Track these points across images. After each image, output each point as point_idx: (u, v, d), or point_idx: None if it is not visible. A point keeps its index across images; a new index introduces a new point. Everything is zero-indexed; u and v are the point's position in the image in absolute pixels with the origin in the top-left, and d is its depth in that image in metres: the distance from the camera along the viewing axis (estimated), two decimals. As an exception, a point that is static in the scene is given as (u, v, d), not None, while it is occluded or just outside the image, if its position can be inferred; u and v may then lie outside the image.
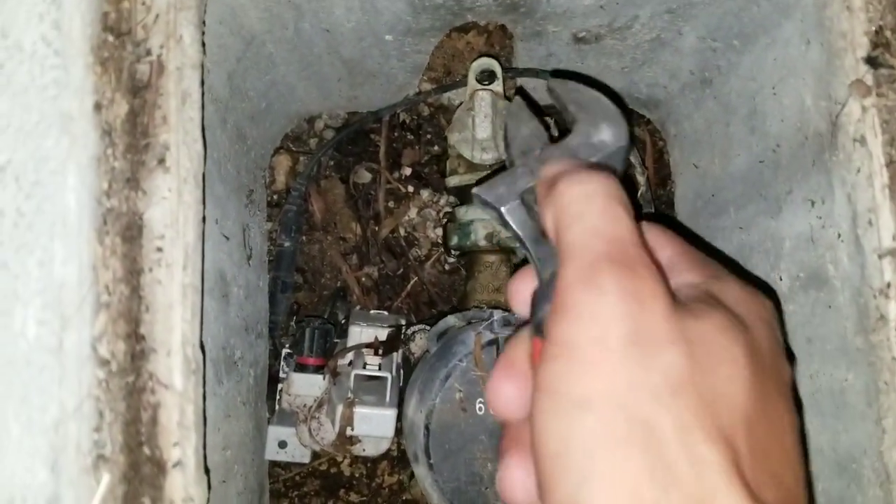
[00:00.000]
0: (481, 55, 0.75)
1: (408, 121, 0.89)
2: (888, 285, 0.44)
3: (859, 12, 0.47)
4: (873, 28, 0.45)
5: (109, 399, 0.43)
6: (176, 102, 0.46)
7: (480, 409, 0.65)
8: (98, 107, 0.44)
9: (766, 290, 0.63)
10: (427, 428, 0.65)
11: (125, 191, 0.44)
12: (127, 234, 0.44)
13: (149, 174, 0.45)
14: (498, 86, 0.74)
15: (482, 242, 0.75)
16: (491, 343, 0.65)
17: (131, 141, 0.45)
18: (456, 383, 0.65)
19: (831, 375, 0.54)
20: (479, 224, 0.75)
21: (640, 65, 0.79)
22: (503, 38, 0.78)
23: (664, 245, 0.37)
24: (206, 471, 0.48)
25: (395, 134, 0.90)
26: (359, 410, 0.72)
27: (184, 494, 0.44)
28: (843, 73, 0.47)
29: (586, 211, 0.33)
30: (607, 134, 0.38)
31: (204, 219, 0.48)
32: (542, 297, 0.35)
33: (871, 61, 0.44)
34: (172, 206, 0.45)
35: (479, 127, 0.70)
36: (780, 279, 0.62)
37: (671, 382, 0.29)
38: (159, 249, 0.45)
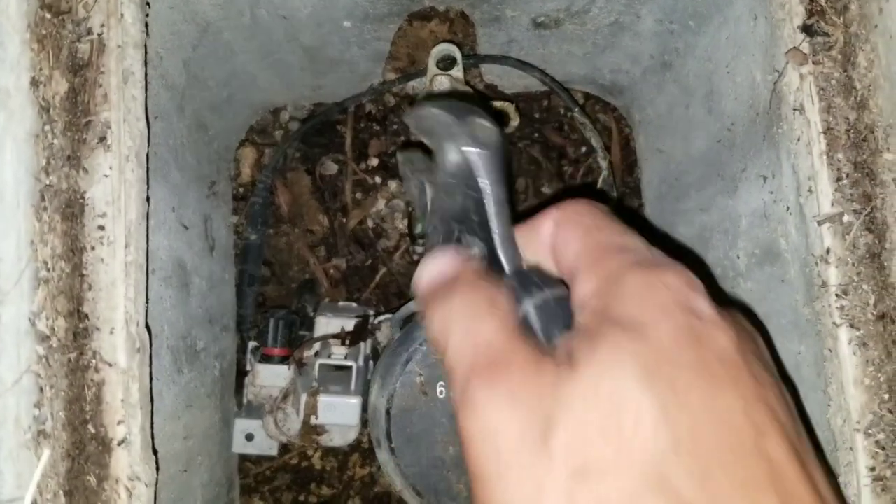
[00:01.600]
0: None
1: (374, 111, 0.89)
2: (828, 251, 0.44)
3: (796, -19, 0.47)
4: (809, -4, 0.45)
5: (50, 375, 0.42)
6: (117, 81, 0.45)
7: (441, 392, 0.64)
8: (35, 83, 0.43)
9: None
10: (388, 412, 0.65)
11: (65, 168, 0.44)
12: (67, 211, 0.44)
13: (90, 152, 0.45)
14: (458, 71, 0.74)
15: (446, 229, 0.75)
16: (451, 326, 0.65)
17: (72, 119, 0.45)
18: (416, 367, 0.65)
19: (787, 350, 0.54)
20: (443, 211, 0.75)
21: (602, 50, 0.79)
22: (466, 26, 0.78)
23: (571, 241, 0.33)
24: (154, 451, 0.48)
25: (361, 124, 0.89)
26: (323, 399, 0.72)
27: (129, 472, 0.44)
28: (783, 43, 0.47)
29: (452, 323, 0.31)
30: (464, 141, 0.35)
31: (148, 199, 0.48)
32: None
33: (807, 29, 0.44)
34: (114, 184, 0.45)
35: (438, 112, 0.70)
36: (738, 257, 0.62)
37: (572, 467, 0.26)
38: (101, 228, 0.45)
